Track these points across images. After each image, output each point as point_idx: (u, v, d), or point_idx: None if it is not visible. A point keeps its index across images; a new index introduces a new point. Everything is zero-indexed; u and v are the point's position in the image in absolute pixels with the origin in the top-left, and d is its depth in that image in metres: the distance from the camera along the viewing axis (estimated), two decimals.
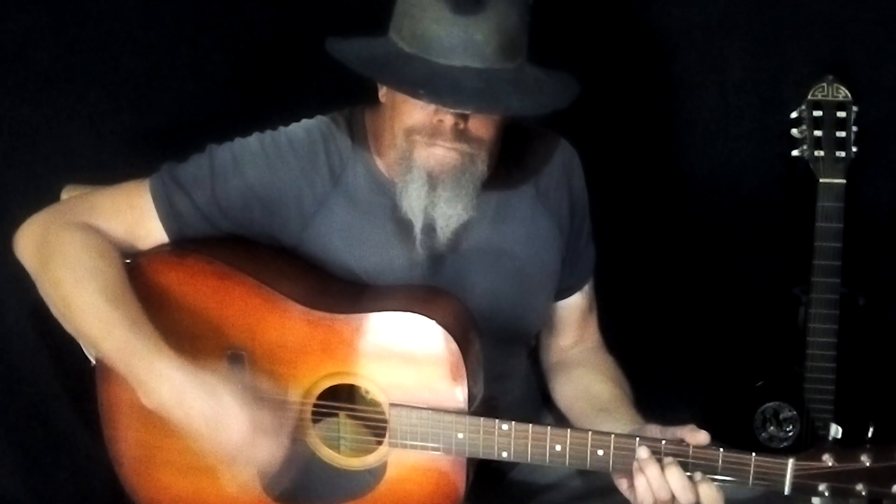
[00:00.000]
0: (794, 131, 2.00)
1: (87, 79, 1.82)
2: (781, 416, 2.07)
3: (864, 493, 1.25)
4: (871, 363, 2.07)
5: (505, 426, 1.33)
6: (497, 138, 1.41)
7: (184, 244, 1.45)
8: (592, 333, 1.69)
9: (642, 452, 1.28)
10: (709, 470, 1.28)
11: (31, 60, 1.76)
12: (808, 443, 2.02)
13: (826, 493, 1.27)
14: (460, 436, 1.34)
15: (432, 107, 1.33)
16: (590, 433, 1.32)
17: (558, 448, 1.32)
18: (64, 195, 1.60)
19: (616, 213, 2.01)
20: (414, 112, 1.36)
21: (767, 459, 1.27)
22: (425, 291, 1.46)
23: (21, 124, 1.77)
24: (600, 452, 1.31)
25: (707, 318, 2.22)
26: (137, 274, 1.39)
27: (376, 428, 1.42)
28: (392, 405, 1.36)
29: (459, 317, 1.41)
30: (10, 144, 1.77)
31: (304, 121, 1.52)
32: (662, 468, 1.27)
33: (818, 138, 1.97)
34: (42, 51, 1.76)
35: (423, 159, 1.37)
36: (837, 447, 1.27)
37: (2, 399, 1.79)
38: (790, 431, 2.06)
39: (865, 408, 1.98)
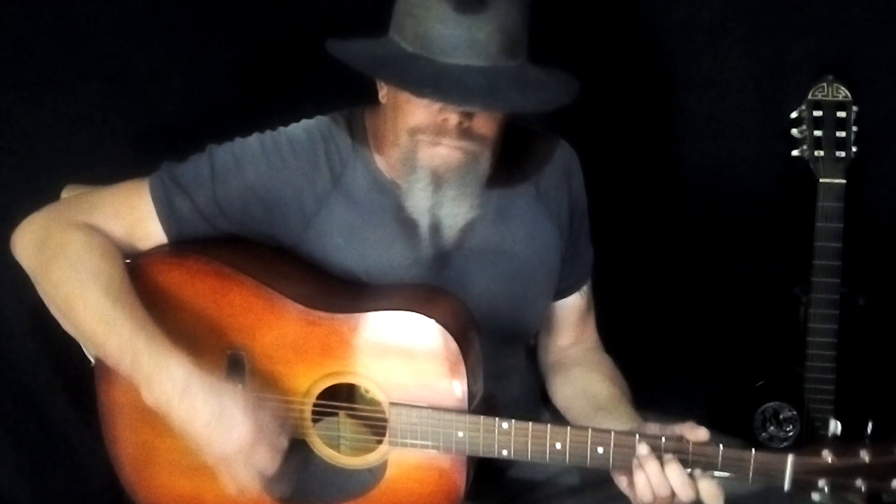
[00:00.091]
0: (794, 131, 2.00)
1: (87, 79, 1.82)
2: (781, 416, 2.07)
3: (863, 489, 1.25)
4: (871, 363, 2.07)
5: (505, 424, 1.33)
6: (499, 136, 1.41)
7: (183, 245, 1.45)
8: (590, 334, 1.69)
9: (642, 449, 1.28)
10: (708, 466, 1.28)
11: (31, 60, 1.76)
12: (808, 443, 2.01)
13: (825, 489, 1.27)
14: (460, 434, 1.34)
15: (436, 106, 1.33)
16: (590, 430, 1.32)
17: (558, 446, 1.32)
18: (64, 195, 1.60)
19: (616, 214, 2.01)
20: (418, 111, 1.36)
21: (767, 455, 1.27)
22: (425, 291, 1.46)
23: (21, 124, 1.77)
24: (600, 450, 1.31)
25: (707, 318, 2.22)
26: (137, 275, 1.39)
27: (376, 427, 1.42)
28: (392, 404, 1.36)
29: (459, 316, 1.41)
30: (10, 144, 1.77)
31: (303, 121, 1.52)
32: (662, 465, 1.27)
33: (818, 138, 1.97)
34: (42, 51, 1.76)
35: (428, 159, 1.38)
36: (837, 443, 1.27)
37: (2, 399, 1.79)
38: (790, 431, 2.06)
39: (865, 408, 1.97)
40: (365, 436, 1.44)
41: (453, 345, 1.34)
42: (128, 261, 1.41)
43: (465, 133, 1.35)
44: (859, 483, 1.26)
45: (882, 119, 2.06)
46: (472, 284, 1.50)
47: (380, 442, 1.41)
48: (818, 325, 1.96)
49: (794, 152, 2.00)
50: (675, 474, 1.26)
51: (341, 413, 1.43)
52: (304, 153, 1.47)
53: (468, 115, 1.34)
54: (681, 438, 1.29)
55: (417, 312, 1.35)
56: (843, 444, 1.26)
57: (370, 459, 1.41)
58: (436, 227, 1.44)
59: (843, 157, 1.95)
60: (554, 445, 1.32)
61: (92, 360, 1.46)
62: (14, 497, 1.79)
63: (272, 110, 1.55)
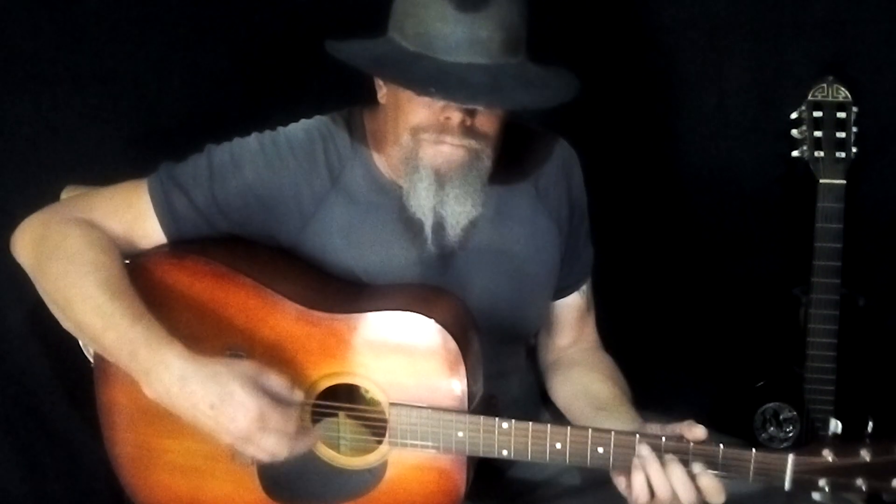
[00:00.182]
0: (794, 132, 2.00)
1: (87, 79, 1.82)
2: (781, 417, 2.07)
3: (863, 488, 1.25)
4: (871, 363, 2.07)
5: (505, 424, 1.33)
6: (500, 134, 1.42)
7: (182, 245, 1.45)
8: (590, 333, 1.69)
9: (643, 450, 1.28)
10: (709, 466, 1.27)
11: (31, 60, 1.76)
12: (808, 443, 2.01)
13: (826, 489, 1.27)
14: (460, 434, 1.34)
15: (439, 104, 1.34)
16: (590, 430, 1.31)
17: (558, 446, 1.32)
18: (64, 195, 1.60)
19: (616, 213, 2.01)
20: (420, 110, 1.36)
21: (767, 455, 1.27)
22: (424, 290, 1.46)
23: (21, 124, 1.77)
24: (600, 450, 1.31)
25: (707, 319, 2.22)
26: (136, 275, 1.38)
27: (376, 427, 1.42)
28: (392, 404, 1.36)
29: (458, 315, 1.41)
30: (10, 144, 1.77)
31: (302, 121, 1.52)
32: (663, 465, 1.27)
33: (818, 139, 1.97)
34: (42, 51, 1.76)
35: (431, 157, 1.38)
36: (837, 442, 1.27)
37: (2, 399, 1.79)
38: (790, 432, 2.06)
39: (865, 408, 1.97)
40: (365, 436, 1.44)
41: (453, 345, 1.34)
42: (127, 261, 1.41)
43: (467, 131, 1.36)
44: (860, 482, 1.26)
45: (882, 119, 2.06)
46: (473, 284, 1.50)
47: (380, 442, 1.40)
48: (818, 325, 1.96)
49: (795, 153, 2.00)
50: (677, 475, 1.26)
51: (341, 413, 1.43)
52: (303, 153, 1.47)
53: (471, 113, 1.35)
54: (681, 438, 1.29)
55: (417, 312, 1.35)
56: (843, 444, 1.26)
57: (370, 460, 1.41)
58: (440, 226, 1.44)
59: (843, 158, 1.95)
60: (554, 445, 1.32)
61: (91, 360, 1.46)
62: (14, 497, 1.79)
63: (271, 110, 1.55)
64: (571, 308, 1.65)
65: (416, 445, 1.36)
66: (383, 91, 1.44)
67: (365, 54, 1.36)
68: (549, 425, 1.32)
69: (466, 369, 1.34)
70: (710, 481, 1.26)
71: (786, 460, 1.27)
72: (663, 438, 1.29)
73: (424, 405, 1.35)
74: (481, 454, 1.35)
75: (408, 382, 1.36)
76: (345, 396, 1.42)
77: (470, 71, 1.30)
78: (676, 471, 1.26)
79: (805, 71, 2.05)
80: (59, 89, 1.79)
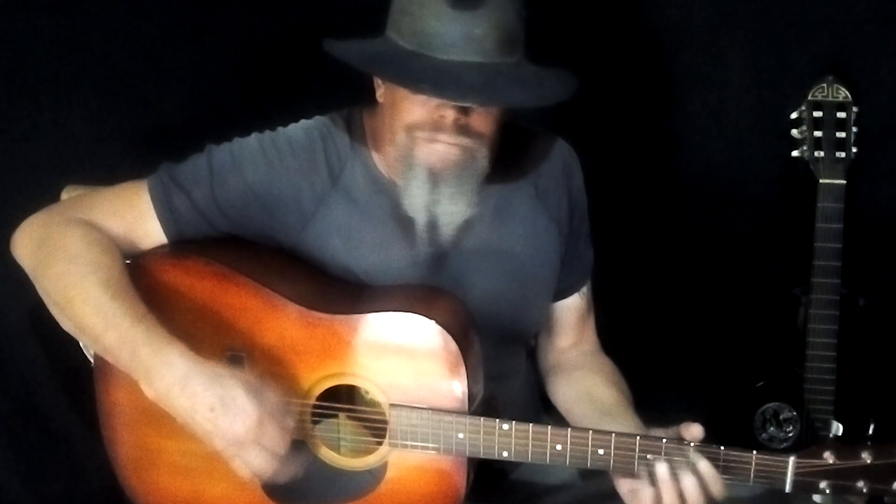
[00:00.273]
0: (794, 132, 2.00)
1: (87, 79, 1.82)
2: (781, 417, 2.07)
3: (865, 491, 1.26)
4: (871, 364, 2.07)
5: (505, 426, 1.33)
6: (497, 134, 1.41)
7: (182, 246, 1.45)
8: (590, 336, 1.69)
9: (661, 470, 1.28)
10: None
11: (31, 60, 1.76)
12: (808, 443, 2.00)
13: (827, 491, 1.27)
14: (460, 436, 1.34)
15: (433, 102, 1.33)
16: (590, 432, 1.31)
17: (559, 447, 1.32)
18: (64, 195, 1.60)
19: (615, 214, 2.01)
20: (415, 108, 1.36)
21: (768, 457, 1.27)
22: (424, 291, 1.46)
23: (21, 124, 1.77)
24: (601, 452, 1.31)
25: (707, 320, 2.22)
26: (136, 275, 1.38)
27: (376, 428, 1.42)
28: (392, 405, 1.36)
29: (459, 316, 1.41)
30: (10, 144, 1.77)
31: (302, 121, 1.52)
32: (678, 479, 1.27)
33: (818, 139, 1.97)
34: (42, 51, 1.76)
35: (425, 156, 1.38)
36: (838, 444, 1.27)
37: (2, 399, 1.79)
38: (790, 432, 2.06)
39: (865, 408, 1.97)
40: (365, 437, 1.44)
41: (453, 346, 1.34)
42: (127, 261, 1.40)
43: (462, 130, 1.36)
44: (861, 484, 1.26)
45: (882, 119, 2.06)
46: (471, 284, 1.50)
47: (380, 443, 1.40)
48: (818, 325, 1.96)
49: (795, 153, 2.00)
50: (691, 488, 1.27)
51: (341, 414, 1.43)
52: (303, 153, 1.47)
53: (465, 112, 1.34)
54: (681, 440, 1.29)
55: (417, 313, 1.35)
56: (844, 446, 1.27)
57: (370, 461, 1.41)
58: (432, 226, 1.44)
59: (843, 158, 1.95)
60: (554, 447, 1.32)
61: (91, 361, 1.46)
62: (14, 497, 1.79)
63: (272, 110, 1.55)
64: (572, 310, 1.65)
65: (416, 447, 1.36)
66: (381, 90, 1.44)
67: (361, 52, 1.36)
68: (549, 427, 1.32)
69: (467, 370, 1.34)
70: (706, 465, 1.27)
71: (787, 462, 1.27)
72: (664, 440, 1.29)
73: (424, 406, 1.35)
74: (481, 455, 1.35)
75: (408, 383, 1.36)
76: (345, 397, 1.42)
77: (464, 69, 1.30)
78: (690, 485, 1.27)
79: (805, 71, 2.04)
80: (59, 89, 1.79)
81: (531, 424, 1.32)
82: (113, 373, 1.38)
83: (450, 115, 1.34)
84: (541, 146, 1.58)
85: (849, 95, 1.97)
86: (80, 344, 1.50)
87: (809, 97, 1.98)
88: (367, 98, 1.47)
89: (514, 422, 1.33)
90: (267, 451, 1.27)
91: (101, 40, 1.82)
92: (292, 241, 1.49)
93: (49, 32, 1.76)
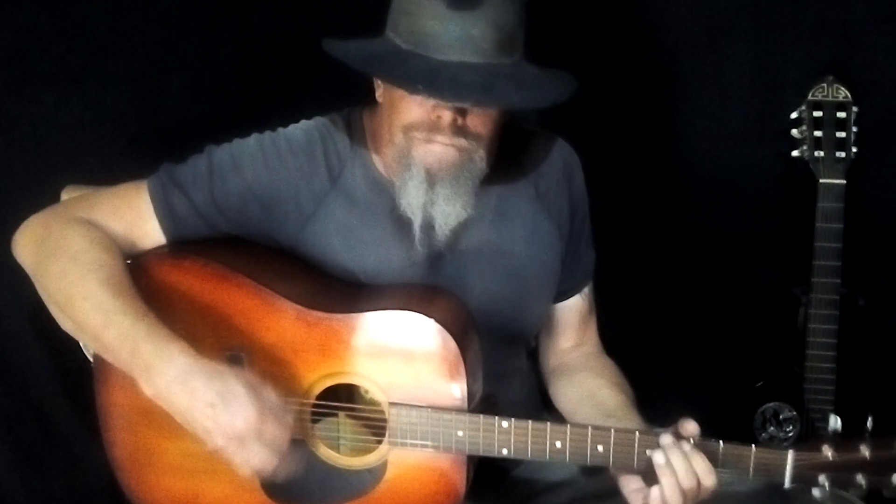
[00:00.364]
0: (794, 132, 2.01)
1: (88, 78, 1.82)
2: (781, 417, 2.07)
3: (863, 484, 1.26)
4: (871, 363, 2.07)
5: (505, 423, 1.33)
6: (495, 135, 1.41)
7: (182, 246, 1.45)
8: (592, 337, 1.68)
9: (658, 457, 1.28)
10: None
11: (31, 60, 1.76)
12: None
13: (826, 485, 1.27)
14: (460, 434, 1.34)
15: (430, 103, 1.33)
16: (589, 429, 1.32)
17: (558, 444, 1.32)
18: (64, 195, 1.60)
19: (616, 214, 2.01)
20: (412, 108, 1.36)
21: (767, 452, 1.28)
22: (424, 290, 1.46)
23: (21, 124, 1.77)
24: (600, 448, 1.31)
25: (707, 319, 2.22)
26: (136, 276, 1.38)
27: (376, 427, 1.42)
28: (391, 404, 1.36)
29: (458, 315, 1.41)
30: (10, 144, 1.77)
31: (302, 122, 1.52)
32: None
33: (818, 139, 1.97)
34: (42, 51, 1.77)
35: (422, 156, 1.37)
36: (837, 439, 1.27)
37: (1, 399, 1.79)
38: (790, 432, 2.06)
39: (865, 408, 1.97)
40: (365, 436, 1.44)
41: (452, 344, 1.34)
42: (127, 262, 1.40)
43: (459, 130, 1.36)
44: (860, 478, 1.26)
45: (882, 119, 2.06)
46: (471, 284, 1.50)
47: (379, 442, 1.40)
48: (818, 325, 1.96)
49: (794, 153, 2.00)
50: (699, 462, 1.27)
51: (341, 413, 1.43)
52: (303, 153, 1.47)
53: (462, 113, 1.34)
54: (679, 436, 1.29)
55: (416, 312, 1.35)
56: (843, 440, 1.27)
57: (370, 460, 1.41)
58: (428, 226, 1.43)
59: (843, 158, 1.96)
60: (554, 444, 1.32)
61: (91, 361, 1.46)
62: (13, 497, 1.79)
63: (272, 111, 1.55)
64: (573, 311, 1.64)
65: (415, 445, 1.36)
66: (381, 90, 1.44)
67: (359, 52, 1.36)
68: (548, 424, 1.32)
69: (466, 369, 1.34)
70: (700, 459, 1.27)
71: (786, 456, 1.27)
72: (661, 435, 1.29)
73: (424, 405, 1.35)
74: (481, 453, 1.35)
75: (407, 382, 1.36)
76: (344, 396, 1.42)
77: (461, 70, 1.30)
78: (698, 459, 1.27)
79: (805, 71, 2.05)
80: (59, 89, 1.79)
81: (530, 421, 1.32)
82: (112, 373, 1.38)
83: (446, 115, 1.34)
84: (541, 147, 1.58)
85: (849, 95, 1.98)
86: (80, 344, 1.50)
87: (809, 97, 1.99)
88: (366, 98, 1.47)
89: (513, 419, 1.33)
90: (267, 448, 1.27)
91: (101, 40, 1.82)
92: (292, 241, 1.49)
93: (49, 31, 1.76)
